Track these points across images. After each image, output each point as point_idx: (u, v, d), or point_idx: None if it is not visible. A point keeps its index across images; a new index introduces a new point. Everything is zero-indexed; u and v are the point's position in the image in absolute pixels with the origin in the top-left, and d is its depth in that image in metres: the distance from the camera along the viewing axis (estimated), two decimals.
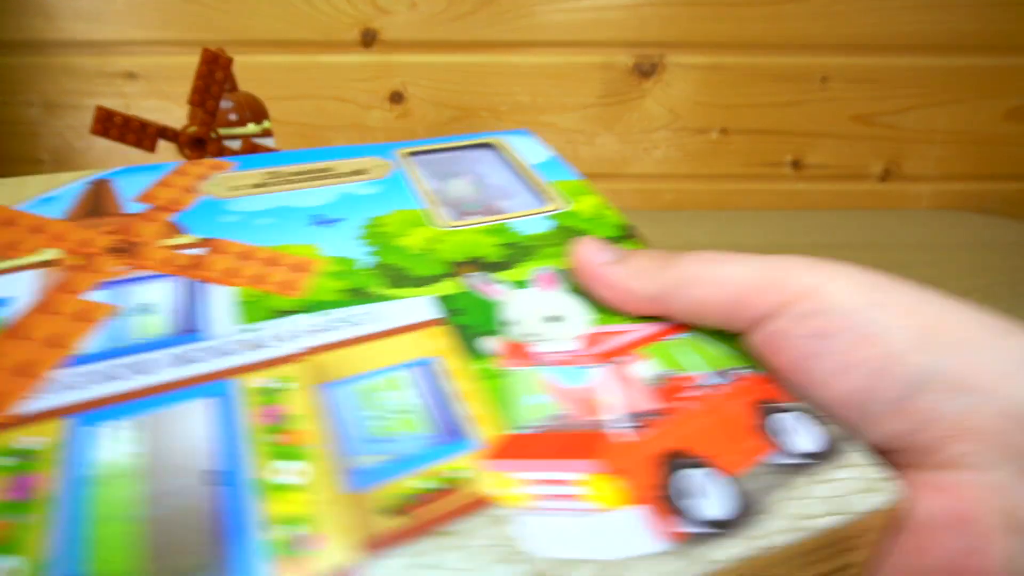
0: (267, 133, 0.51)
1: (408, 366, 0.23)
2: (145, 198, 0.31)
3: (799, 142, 0.79)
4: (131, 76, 0.73)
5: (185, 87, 0.46)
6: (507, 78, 0.75)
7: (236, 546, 0.18)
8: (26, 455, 0.20)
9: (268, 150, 0.49)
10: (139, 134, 0.46)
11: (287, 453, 0.20)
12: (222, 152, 0.48)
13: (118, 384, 0.22)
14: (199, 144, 0.48)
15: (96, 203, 0.31)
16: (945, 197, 0.82)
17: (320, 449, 0.20)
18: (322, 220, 0.30)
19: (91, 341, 0.24)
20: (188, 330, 0.24)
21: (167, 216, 0.30)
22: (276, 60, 0.73)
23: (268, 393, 0.22)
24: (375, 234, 0.30)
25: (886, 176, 0.81)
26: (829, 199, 0.81)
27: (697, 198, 0.81)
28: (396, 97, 0.75)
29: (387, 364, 0.23)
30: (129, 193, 0.31)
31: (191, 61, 0.46)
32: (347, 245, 0.29)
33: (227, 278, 0.27)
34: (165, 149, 0.50)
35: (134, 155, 0.76)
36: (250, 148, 0.49)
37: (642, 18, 0.73)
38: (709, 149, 0.79)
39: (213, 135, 0.48)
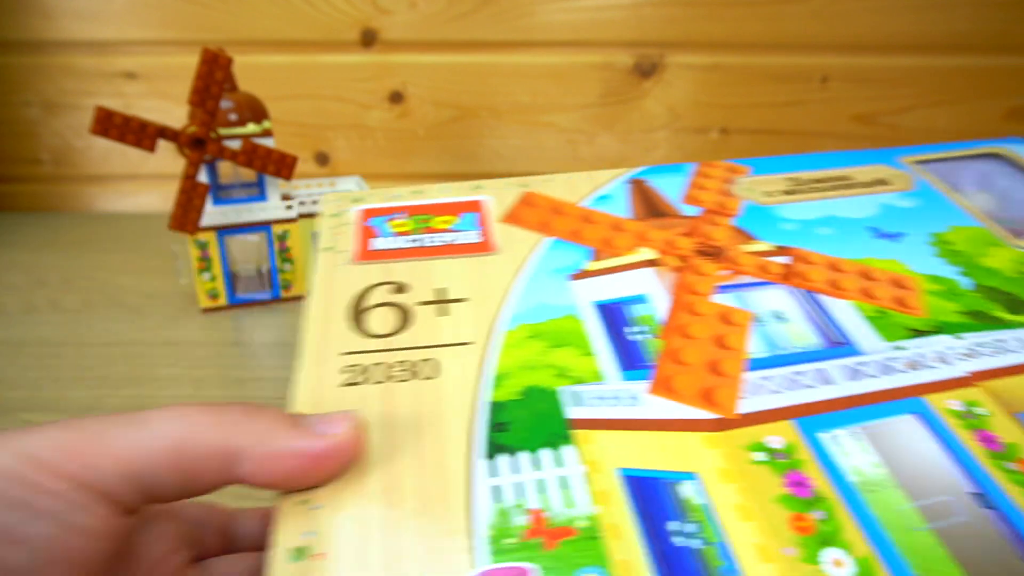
0: (267, 133, 0.51)
1: None
2: (690, 200, 0.33)
3: (799, 142, 0.79)
4: (131, 76, 0.73)
5: (185, 87, 0.46)
6: (507, 78, 0.75)
7: None
8: (778, 453, 0.21)
9: (268, 150, 0.49)
10: (139, 134, 0.46)
11: None
12: (222, 152, 0.48)
13: (825, 391, 0.23)
14: (199, 144, 0.48)
15: (650, 203, 0.33)
16: None
17: None
18: (883, 234, 0.30)
19: (753, 345, 0.25)
20: (837, 343, 0.25)
21: (726, 220, 0.31)
22: (276, 60, 0.73)
23: (967, 416, 0.22)
24: (950, 252, 0.30)
25: None
26: None
27: None
28: (396, 97, 0.75)
29: None
30: (671, 194, 0.33)
31: (191, 61, 0.46)
32: (928, 262, 0.29)
33: (833, 290, 0.27)
34: (165, 149, 0.50)
35: (134, 155, 0.76)
36: (250, 148, 0.49)
37: (642, 18, 0.73)
38: (709, 149, 0.79)
39: (213, 135, 0.48)
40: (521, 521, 0.19)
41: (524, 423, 0.22)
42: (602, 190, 0.34)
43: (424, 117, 0.76)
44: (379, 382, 0.23)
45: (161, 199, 0.79)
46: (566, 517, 0.20)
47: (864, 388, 0.23)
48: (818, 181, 0.34)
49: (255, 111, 0.52)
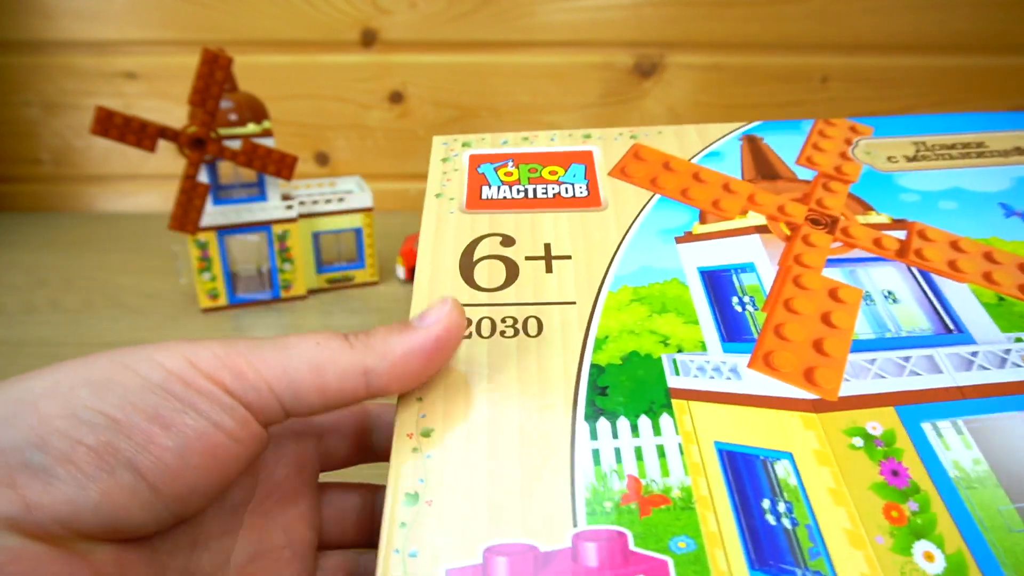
0: (267, 133, 0.51)
1: None
2: (806, 162, 0.31)
3: None
4: (131, 76, 0.73)
5: (185, 87, 0.46)
6: (507, 78, 0.75)
7: None
8: (877, 440, 0.21)
9: (268, 150, 0.49)
10: (139, 134, 0.46)
11: None
12: (222, 152, 0.48)
13: (933, 379, 0.22)
14: (199, 144, 0.48)
15: (762, 163, 0.31)
16: None
17: None
18: (1014, 212, 0.28)
19: (861, 325, 0.24)
20: (950, 329, 0.24)
21: (843, 187, 0.30)
22: (276, 60, 0.73)
23: None
24: None
25: None
26: None
27: None
28: (396, 97, 0.75)
29: None
30: (786, 155, 0.32)
31: (191, 61, 0.46)
32: None
33: (951, 271, 0.26)
34: (165, 149, 0.50)
35: (134, 155, 0.76)
36: (250, 148, 0.49)
37: (642, 18, 0.73)
38: None
39: (213, 135, 0.48)
40: (619, 486, 0.20)
41: (625, 388, 0.22)
42: (714, 146, 0.33)
43: (424, 117, 0.76)
44: (486, 336, 0.24)
45: (161, 199, 0.79)
46: (662, 486, 0.20)
47: (974, 380, 0.22)
48: (948, 147, 0.32)
49: (255, 111, 0.52)
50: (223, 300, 0.54)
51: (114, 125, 0.45)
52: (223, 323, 0.52)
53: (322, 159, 0.78)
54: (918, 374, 0.23)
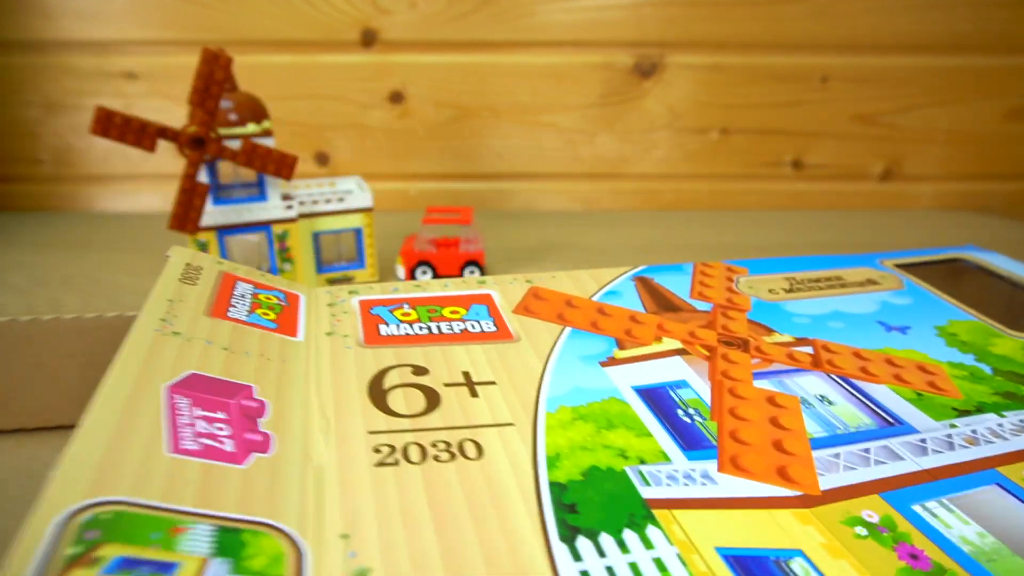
0: (267, 133, 0.51)
1: None
2: (699, 296, 0.34)
3: (799, 142, 0.79)
4: (131, 76, 0.73)
5: (185, 87, 0.46)
6: (507, 78, 0.75)
7: None
8: (879, 527, 0.21)
9: (268, 150, 0.49)
10: (139, 134, 0.46)
11: None
12: (222, 152, 0.48)
13: (900, 466, 0.23)
14: (199, 144, 0.48)
15: (660, 298, 0.34)
16: (945, 197, 0.82)
17: None
18: (891, 327, 0.32)
19: (810, 426, 0.25)
20: (891, 423, 0.26)
21: (741, 314, 0.32)
22: (276, 60, 0.73)
23: None
24: (959, 342, 0.31)
25: (886, 176, 0.81)
26: (829, 199, 0.81)
27: (697, 198, 0.81)
28: (396, 97, 0.75)
29: None
30: (679, 291, 0.34)
31: (191, 61, 0.46)
32: (943, 351, 0.30)
33: (865, 375, 0.28)
34: (165, 149, 0.50)
35: (134, 155, 0.76)
36: (250, 148, 0.49)
37: (642, 18, 0.73)
38: (709, 149, 0.79)
39: (213, 135, 0.48)
40: None
41: (595, 504, 0.21)
42: (609, 287, 0.34)
43: (424, 117, 0.76)
44: (416, 462, 0.22)
45: (161, 199, 0.79)
46: None
47: (936, 463, 0.23)
48: (815, 280, 0.36)
49: (255, 111, 0.52)
50: None
51: (114, 125, 0.45)
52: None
53: (322, 159, 0.78)
54: (883, 463, 0.23)
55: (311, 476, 0.21)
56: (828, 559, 0.20)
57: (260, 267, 0.55)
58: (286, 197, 0.54)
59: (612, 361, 0.28)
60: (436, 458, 0.22)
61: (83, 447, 0.19)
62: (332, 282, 0.58)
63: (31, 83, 0.73)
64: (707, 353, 0.29)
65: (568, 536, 0.20)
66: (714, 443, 0.24)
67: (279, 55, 0.73)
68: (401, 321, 0.30)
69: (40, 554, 0.15)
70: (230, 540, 0.17)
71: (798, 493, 0.22)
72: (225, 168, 0.52)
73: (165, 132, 0.47)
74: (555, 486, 0.21)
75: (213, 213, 0.51)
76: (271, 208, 0.53)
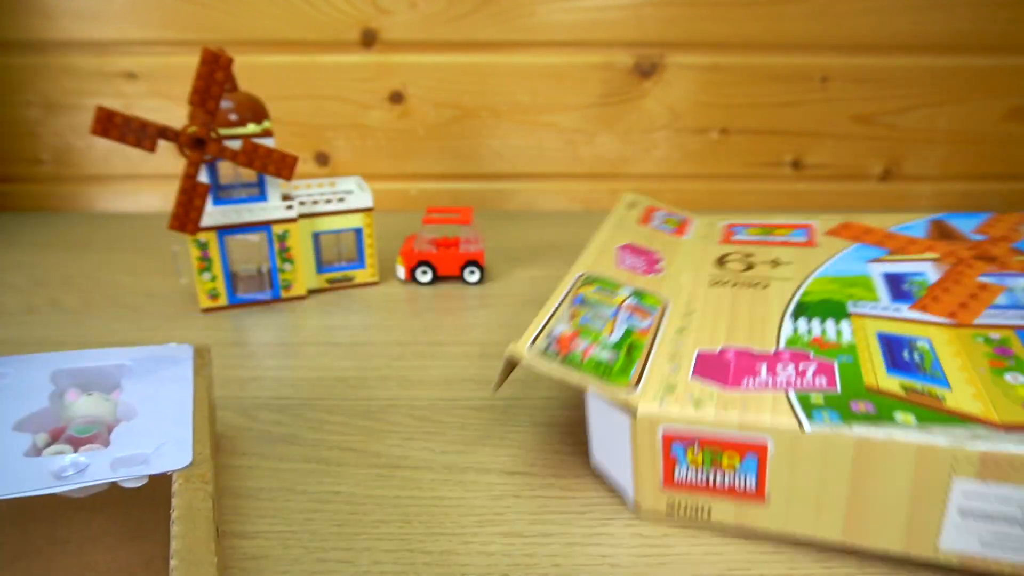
0: (267, 133, 0.51)
1: None
2: (982, 231, 0.43)
3: (799, 142, 0.79)
4: (131, 76, 0.73)
5: (185, 87, 0.46)
6: (507, 78, 0.75)
7: None
8: (996, 343, 0.32)
9: (268, 150, 0.49)
10: (139, 134, 0.46)
11: None
12: (222, 152, 0.48)
13: None
14: (199, 144, 0.48)
15: (943, 231, 0.44)
16: (945, 197, 0.82)
17: None
18: None
19: (999, 299, 0.35)
20: None
21: (1007, 244, 0.41)
22: (276, 60, 0.73)
23: None
24: None
25: (886, 176, 0.81)
26: (829, 199, 0.81)
27: (697, 198, 0.81)
28: (396, 97, 0.75)
29: None
30: (967, 228, 0.44)
31: (191, 61, 0.46)
32: None
33: None
34: (165, 149, 0.50)
35: (134, 155, 0.76)
36: (250, 148, 0.49)
37: (642, 18, 0.73)
38: (709, 149, 0.79)
39: (213, 135, 0.48)
40: (806, 339, 0.34)
41: (819, 309, 0.37)
42: (909, 223, 0.46)
43: (424, 117, 0.76)
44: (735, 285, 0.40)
45: (161, 199, 0.79)
46: (835, 345, 0.33)
47: None
48: None
49: (255, 111, 0.52)
50: (223, 300, 0.54)
51: (114, 125, 0.45)
52: (223, 323, 0.52)
53: (322, 159, 0.78)
54: None
55: None
56: (943, 343, 0.32)
57: (260, 267, 0.55)
58: (286, 197, 0.54)
59: (878, 260, 0.41)
60: (742, 284, 0.40)
61: None
62: (332, 282, 0.58)
63: (31, 83, 0.73)
64: (956, 261, 0.39)
65: (796, 315, 0.36)
66: (915, 297, 0.36)
67: (279, 55, 0.73)
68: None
69: None
70: None
71: (954, 322, 0.34)
72: (225, 168, 0.52)
73: (165, 132, 0.47)
74: (801, 303, 0.37)
75: (213, 213, 0.51)
76: (271, 208, 0.53)
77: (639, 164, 0.79)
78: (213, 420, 0.29)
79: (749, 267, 0.42)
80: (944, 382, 0.30)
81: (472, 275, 0.58)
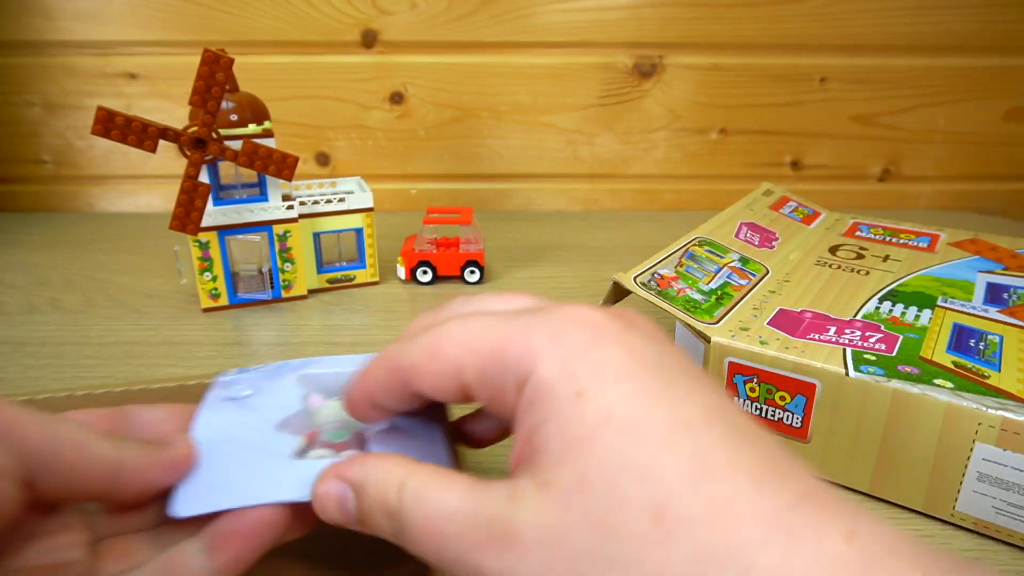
0: (268, 134, 0.52)
1: None
2: None
3: (798, 142, 0.79)
4: (131, 76, 0.73)
5: (186, 87, 0.46)
6: (507, 78, 0.75)
7: None
8: None
9: (269, 150, 0.49)
10: (140, 135, 0.46)
11: None
12: (223, 153, 0.48)
13: None
14: (200, 145, 0.48)
15: None
16: (945, 197, 0.82)
17: None
18: None
19: None
20: None
21: None
22: (277, 60, 0.73)
23: None
24: None
25: (886, 176, 0.81)
26: (828, 199, 0.81)
27: (697, 198, 0.81)
28: (396, 97, 0.75)
29: None
30: None
31: (192, 61, 0.46)
32: None
33: None
34: (166, 150, 0.50)
35: (135, 155, 0.76)
36: (251, 148, 0.49)
37: (642, 18, 0.73)
38: (709, 149, 0.79)
39: (214, 136, 0.48)
40: (884, 315, 0.37)
41: (909, 298, 0.39)
42: None
43: (424, 117, 0.76)
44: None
45: (162, 199, 0.79)
46: (909, 325, 0.36)
47: None
48: None
49: (256, 111, 0.52)
50: (224, 300, 0.54)
51: (115, 125, 0.45)
52: (224, 323, 0.52)
53: (323, 159, 0.78)
54: None
55: None
56: (1015, 339, 0.34)
57: (261, 268, 0.55)
58: (287, 197, 0.54)
59: (991, 272, 0.42)
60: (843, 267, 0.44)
61: None
62: (332, 282, 0.58)
63: (33, 83, 0.74)
64: None
65: (883, 299, 0.39)
66: (1010, 306, 0.38)
67: (280, 56, 0.73)
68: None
69: None
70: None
71: None
72: (226, 169, 0.52)
73: (166, 133, 0.47)
74: (892, 291, 0.40)
75: (214, 213, 0.51)
76: (272, 208, 0.53)
77: (639, 164, 0.79)
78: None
79: (859, 257, 0.45)
80: (996, 367, 0.32)
81: (472, 275, 0.58)
